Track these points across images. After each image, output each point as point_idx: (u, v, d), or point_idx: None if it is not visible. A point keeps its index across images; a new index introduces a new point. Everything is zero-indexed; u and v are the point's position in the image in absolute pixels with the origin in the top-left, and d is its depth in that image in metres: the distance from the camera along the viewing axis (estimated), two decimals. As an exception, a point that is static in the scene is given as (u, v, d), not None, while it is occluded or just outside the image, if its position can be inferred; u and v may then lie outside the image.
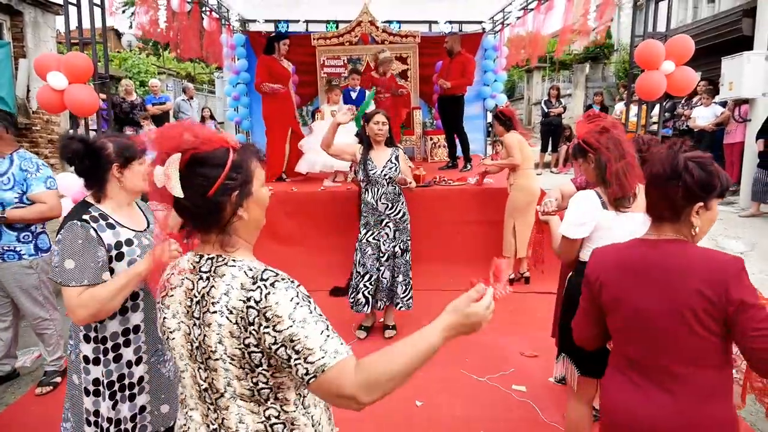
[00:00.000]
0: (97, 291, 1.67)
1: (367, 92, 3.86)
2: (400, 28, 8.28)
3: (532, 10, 7.31)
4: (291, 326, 1.05)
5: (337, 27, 8.22)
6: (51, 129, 8.53)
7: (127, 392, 1.83)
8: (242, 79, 8.14)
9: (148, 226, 1.91)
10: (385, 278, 3.82)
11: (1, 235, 2.97)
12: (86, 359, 1.79)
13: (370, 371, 1.09)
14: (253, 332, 1.07)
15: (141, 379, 1.86)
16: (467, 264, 4.17)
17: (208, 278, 1.15)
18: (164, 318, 1.22)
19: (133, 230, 1.83)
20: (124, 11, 14.74)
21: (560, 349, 2.37)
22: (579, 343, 1.76)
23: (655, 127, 5.65)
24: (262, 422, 1.15)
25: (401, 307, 3.90)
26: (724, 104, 8.26)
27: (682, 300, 1.36)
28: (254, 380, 1.12)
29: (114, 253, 1.74)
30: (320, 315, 1.11)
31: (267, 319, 1.06)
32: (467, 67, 6.28)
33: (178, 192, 1.08)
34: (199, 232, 1.18)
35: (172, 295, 1.21)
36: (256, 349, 1.08)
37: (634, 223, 1.91)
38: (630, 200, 2.06)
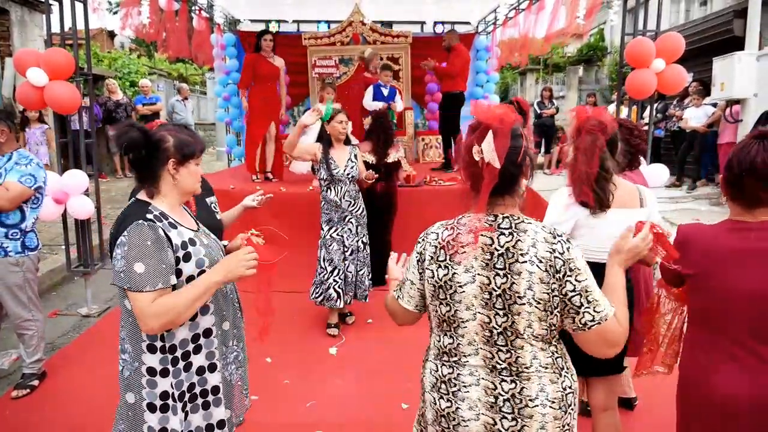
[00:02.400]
0: (171, 301, 1.53)
1: (328, 104, 3.82)
2: (391, 28, 8.23)
3: (523, 10, 7.29)
4: (587, 279, 1.32)
5: (328, 27, 8.16)
6: (38, 129, 8.42)
7: (200, 401, 1.68)
8: (233, 79, 8.06)
9: (198, 227, 1.78)
10: (350, 272, 3.94)
11: None
12: (151, 371, 1.61)
13: (626, 322, 1.36)
14: (558, 279, 1.31)
15: (216, 389, 1.71)
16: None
17: (510, 234, 1.34)
18: (454, 273, 1.38)
19: (191, 230, 1.69)
20: (115, 12, 14.63)
21: None
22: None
23: (646, 128, 5.62)
24: (550, 356, 1.39)
25: (362, 298, 4.08)
26: (715, 105, 8.27)
27: None
28: (550, 321, 1.34)
29: (181, 253, 1.59)
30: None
31: (570, 270, 1.30)
32: (455, 60, 6.28)
33: (497, 163, 1.29)
34: (502, 195, 1.36)
35: (464, 252, 1.36)
36: (556, 294, 1.32)
37: (617, 221, 1.93)
38: (605, 205, 2.04)
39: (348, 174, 3.83)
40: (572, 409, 1.41)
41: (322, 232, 3.93)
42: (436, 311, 1.46)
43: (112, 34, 19.45)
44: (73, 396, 3.10)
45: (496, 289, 1.34)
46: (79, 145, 4.34)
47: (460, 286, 1.38)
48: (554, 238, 1.33)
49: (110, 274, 4.96)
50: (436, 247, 1.43)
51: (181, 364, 1.64)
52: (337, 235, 3.89)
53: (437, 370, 1.47)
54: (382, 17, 8.19)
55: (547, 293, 1.31)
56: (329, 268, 3.86)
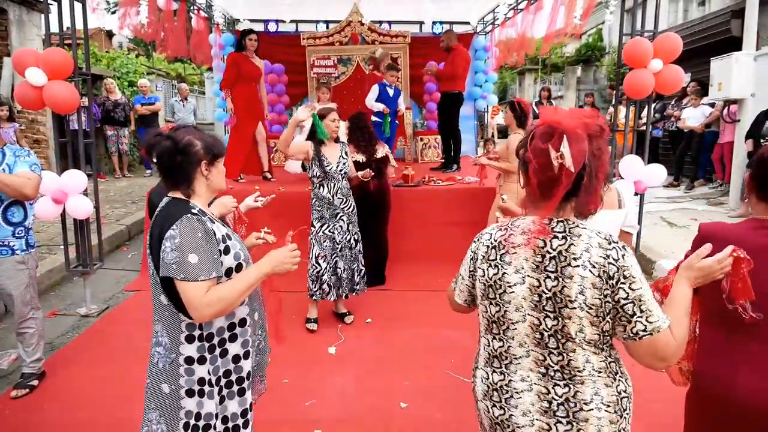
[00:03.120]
0: (225, 290, 1.61)
1: (315, 120, 3.83)
2: (390, 28, 8.24)
3: (521, 10, 7.30)
4: (641, 288, 1.30)
5: (327, 27, 8.17)
6: (36, 128, 8.42)
7: (235, 388, 1.76)
8: (231, 79, 8.05)
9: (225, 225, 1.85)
10: (340, 268, 4.01)
11: None
12: (189, 360, 1.68)
13: (682, 339, 1.33)
14: (611, 285, 1.30)
15: (248, 374, 1.79)
16: (448, 264, 4.12)
17: (564, 237, 1.35)
18: (503, 273, 1.41)
19: (223, 225, 1.77)
20: (113, 12, 14.62)
21: None
22: None
23: (644, 128, 5.63)
24: (603, 360, 1.38)
25: (358, 292, 4.16)
26: (713, 105, 8.29)
27: None
28: (602, 327, 1.34)
29: (222, 246, 1.67)
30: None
31: (625, 277, 1.29)
32: (455, 60, 6.29)
33: (572, 167, 1.30)
34: (565, 200, 1.36)
35: (515, 253, 1.39)
36: (608, 301, 1.31)
37: (601, 221, 1.94)
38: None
39: (340, 171, 3.90)
40: (627, 414, 1.41)
41: (314, 228, 3.97)
42: (486, 311, 1.48)
43: (110, 34, 19.42)
44: (72, 395, 3.11)
45: (546, 291, 1.35)
46: (78, 145, 4.34)
47: (510, 286, 1.40)
48: (609, 244, 1.33)
49: (109, 274, 4.97)
50: (488, 246, 1.47)
51: (217, 351, 1.71)
52: (329, 231, 3.94)
53: (488, 378, 1.48)
54: (381, 17, 8.19)
55: (599, 299, 1.31)
56: (323, 264, 3.91)
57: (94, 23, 4.34)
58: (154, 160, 1.69)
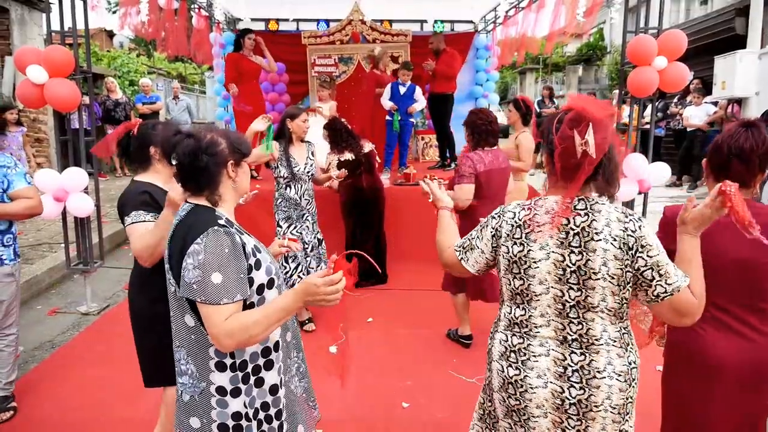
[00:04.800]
0: (248, 321, 1.38)
1: (268, 140, 3.78)
2: (391, 27, 8.21)
3: (523, 8, 7.27)
4: (658, 254, 1.40)
5: (328, 26, 8.15)
6: (38, 128, 8.41)
7: (275, 423, 1.56)
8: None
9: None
10: (312, 268, 3.96)
11: None
12: (221, 391, 1.49)
13: (700, 292, 1.42)
14: (631, 255, 1.40)
15: (284, 404, 1.61)
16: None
17: (586, 214, 1.45)
18: (529, 250, 1.49)
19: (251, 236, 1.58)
20: (114, 11, 14.62)
21: None
22: None
23: (648, 127, 5.59)
24: (618, 330, 1.48)
25: None
26: (715, 103, 8.26)
27: None
28: (622, 295, 1.44)
29: (253, 260, 1.47)
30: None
31: (642, 246, 1.40)
32: (452, 62, 6.31)
33: (594, 153, 1.38)
34: (588, 183, 1.45)
35: (540, 231, 1.47)
36: (629, 270, 1.41)
37: None
38: None
39: (308, 171, 3.88)
40: (635, 383, 1.50)
41: (280, 230, 3.92)
42: (509, 284, 1.56)
43: (111, 34, 19.40)
44: (73, 394, 3.09)
45: (571, 265, 1.45)
46: (79, 144, 4.32)
47: (534, 262, 1.49)
48: (626, 217, 1.43)
49: (110, 272, 4.95)
50: (512, 225, 1.54)
51: (252, 380, 1.52)
52: (297, 232, 3.90)
53: (507, 340, 1.57)
54: (382, 16, 8.17)
55: (621, 269, 1.41)
56: (293, 265, 3.87)
57: (94, 23, 4.33)
58: (173, 161, 1.49)
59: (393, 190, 5.33)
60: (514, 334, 1.55)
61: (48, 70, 3.82)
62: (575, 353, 1.47)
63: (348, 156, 4.55)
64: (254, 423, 1.52)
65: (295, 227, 3.91)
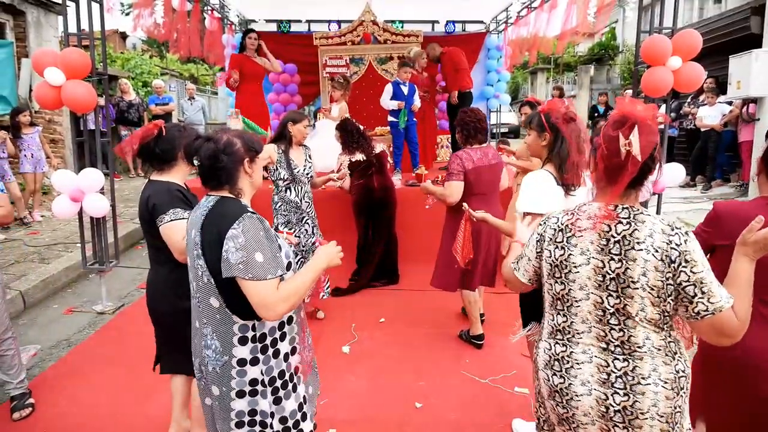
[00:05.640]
0: (294, 285, 1.62)
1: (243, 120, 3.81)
2: (402, 27, 8.22)
3: (535, 8, 7.24)
4: (703, 271, 1.37)
5: (339, 27, 8.17)
6: (53, 129, 8.52)
7: (289, 387, 1.76)
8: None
9: None
10: None
11: None
12: (241, 362, 1.68)
13: (744, 316, 1.37)
14: (673, 269, 1.38)
15: (297, 369, 1.81)
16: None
17: (628, 223, 1.44)
18: (569, 254, 1.51)
19: None
20: (128, 13, 14.78)
21: (526, 318, 2.55)
22: None
23: (663, 127, 5.55)
24: (663, 339, 1.46)
25: (324, 296, 4.02)
26: (730, 103, 8.16)
27: None
28: (663, 308, 1.42)
29: (277, 244, 1.69)
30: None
31: (686, 261, 1.37)
32: (455, 58, 6.27)
33: (639, 155, 1.38)
34: (632, 187, 1.45)
35: (581, 236, 1.49)
36: (670, 283, 1.39)
37: (580, 198, 2.30)
38: (576, 186, 2.32)
39: (307, 174, 3.90)
40: (684, 393, 1.47)
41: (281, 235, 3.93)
42: (551, 289, 1.58)
43: (123, 35, 19.62)
44: (89, 391, 3.13)
45: (610, 272, 1.45)
46: (95, 145, 4.38)
47: (575, 267, 1.50)
48: (672, 230, 1.41)
49: (124, 272, 5.00)
50: (555, 229, 1.56)
51: (270, 351, 1.71)
52: (296, 236, 3.89)
53: (550, 349, 1.58)
54: (394, 17, 8.18)
55: (661, 281, 1.39)
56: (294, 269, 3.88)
57: (108, 25, 4.38)
58: (196, 162, 1.67)
59: (405, 191, 5.33)
60: (557, 342, 1.56)
61: (65, 72, 3.87)
62: (618, 359, 1.46)
63: (359, 157, 4.58)
64: (269, 389, 1.70)
65: (294, 230, 3.90)
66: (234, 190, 1.70)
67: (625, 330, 1.45)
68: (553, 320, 1.58)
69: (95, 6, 4.28)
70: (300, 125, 3.83)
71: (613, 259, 1.44)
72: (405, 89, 6.01)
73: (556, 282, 1.55)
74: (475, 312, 3.68)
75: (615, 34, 18.66)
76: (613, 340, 1.47)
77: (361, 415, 2.93)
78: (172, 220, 2.11)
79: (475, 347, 3.66)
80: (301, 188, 3.89)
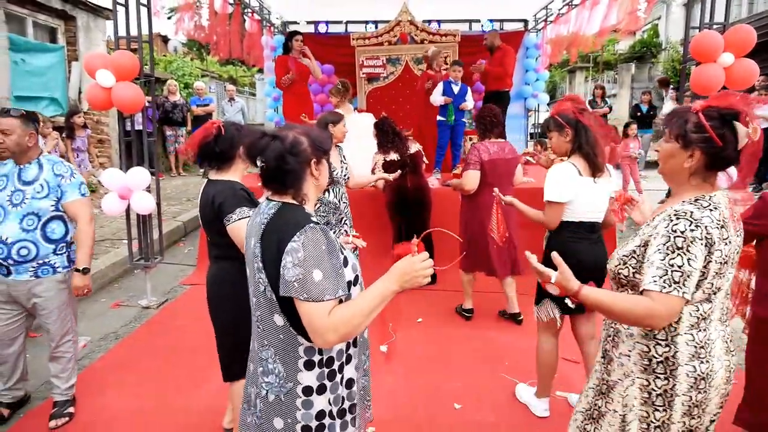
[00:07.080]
0: (350, 312, 1.37)
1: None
2: (439, 27, 8.19)
3: (576, 6, 7.09)
4: None
5: (376, 27, 8.21)
6: (101, 129, 8.86)
7: (348, 417, 1.56)
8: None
9: None
10: None
11: (39, 248, 2.64)
12: (307, 391, 1.47)
13: None
14: None
15: (354, 404, 1.60)
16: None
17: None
18: (730, 247, 1.55)
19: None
20: (170, 17, 15.24)
21: (540, 296, 2.83)
22: None
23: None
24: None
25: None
26: (783, 102, 7.78)
27: None
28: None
29: (341, 258, 1.46)
30: None
31: None
32: (505, 59, 6.25)
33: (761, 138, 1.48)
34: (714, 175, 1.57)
35: (733, 223, 1.56)
36: None
37: (605, 188, 2.59)
38: (599, 175, 2.57)
39: (344, 175, 3.91)
40: None
41: None
42: (711, 285, 1.55)
43: (165, 39, 20.21)
44: (135, 382, 3.24)
45: (738, 248, 1.59)
46: (142, 145, 4.54)
47: (733, 255, 1.59)
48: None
49: (167, 268, 5.14)
50: (718, 228, 1.52)
51: (337, 378, 1.51)
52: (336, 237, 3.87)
53: (693, 339, 1.57)
54: (431, 16, 8.16)
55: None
56: None
57: (155, 28, 4.57)
58: (259, 163, 1.48)
59: (442, 191, 5.30)
60: (699, 330, 1.56)
61: (115, 74, 4.03)
62: (728, 326, 1.63)
63: (393, 156, 4.58)
64: (338, 422, 1.51)
65: (334, 232, 3.90)
66: (298, 195, 1.50)
67: (727, 300, 1.61)
68: (697, 311, 1.56)
69: (143, 10, 4.43)
70: (340, 125, 3.86)
71: (739, 236, 1.59)
72: (456, 88, 5.96)
73: (722, 278, 1.56)
74: (468, 289, 4.18)
75: (657, 31, 18.08)
76: (726, 311, 1.61)
77: (398, 414, 2.93)
78: (239, 219, 2.14)
79: (464, 319, 4.17)
80: (339, 189, 3.91)
